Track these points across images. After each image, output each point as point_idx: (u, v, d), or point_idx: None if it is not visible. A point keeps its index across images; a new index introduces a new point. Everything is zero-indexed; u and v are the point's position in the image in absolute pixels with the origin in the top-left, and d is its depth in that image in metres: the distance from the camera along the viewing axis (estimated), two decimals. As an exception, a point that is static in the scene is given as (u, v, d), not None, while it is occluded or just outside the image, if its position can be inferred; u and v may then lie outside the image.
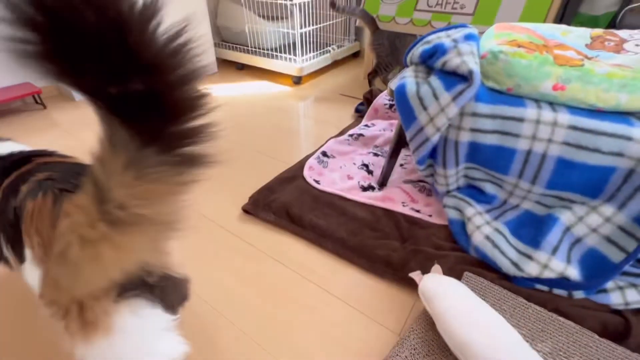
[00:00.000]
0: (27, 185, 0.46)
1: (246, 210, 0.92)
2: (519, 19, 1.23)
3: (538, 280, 0.65)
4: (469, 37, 0.76)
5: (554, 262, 0.64)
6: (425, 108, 0.72)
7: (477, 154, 0.73)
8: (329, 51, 1.94)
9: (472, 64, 0.68)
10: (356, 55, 2.26)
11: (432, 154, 0.81)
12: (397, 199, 0.92)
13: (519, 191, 0.75)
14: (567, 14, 1.34)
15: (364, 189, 0.96)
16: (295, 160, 1.15)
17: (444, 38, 0.81)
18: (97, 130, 0.28)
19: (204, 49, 1.67)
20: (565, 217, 0.67)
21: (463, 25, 0.85)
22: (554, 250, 0.64)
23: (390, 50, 1.53)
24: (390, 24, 1.50)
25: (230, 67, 2.10)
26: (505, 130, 0.68)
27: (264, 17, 1.94)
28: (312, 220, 0.86)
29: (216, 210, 0.94)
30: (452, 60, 0.70)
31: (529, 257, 0.66)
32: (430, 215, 0.87)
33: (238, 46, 2.01)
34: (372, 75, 1.61)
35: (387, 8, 1.50)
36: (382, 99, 1.34)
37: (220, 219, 0.91)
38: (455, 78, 0.70)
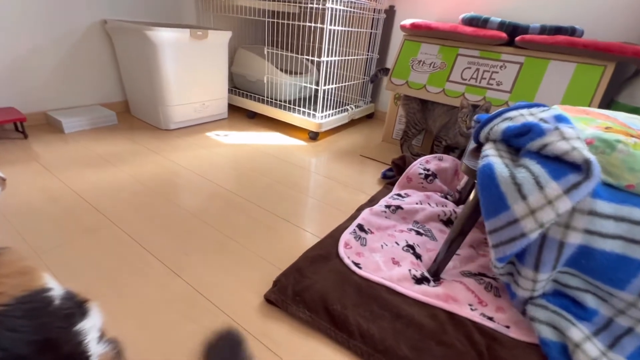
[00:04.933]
0: None
1: (270, 300, 0.71)
2: (561, 101, 1.20)
3: None
4: (560, 119, 0.66)
5: None
6: (524, 197, 0.58)
7: (589, 260, 0.58)
8: (347, 110, 1.89)
9: (587, 151, 0.56)
10: (370, 116, 2.22)
11: (520, 251, 0.65)
12: (461, 299, 0.74)
13: (636, 312, 0.59)
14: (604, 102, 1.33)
15: (418, 280, 0.78)
16: (323, 230, 0.97)
17: (527, 116, 0.71)
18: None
19: (220, 98, 1.56)
20: None
21: (541, 105, 0.76)
22: None
23: (420, 108, 1.48)
24: (420, 91, 1.45)
25: (240, 114, 1.99)
26: (634, 237, 0.54)
27: (282, 70, 1.89)
28: (360, 324, 0.66)
29: (230, 298, 0.72)
30: (556, 145, 0.58)
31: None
32: (507, 327, 0.68)
33: (251, 94, 1.93)
34: (403, 140, 1.52)
35: (418, 76, 1.47)
36: (417, 167, 1.22)
37: (237, 312, 0.68)
38: (563, 166, 0.57)
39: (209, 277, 0.77)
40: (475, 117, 1.02)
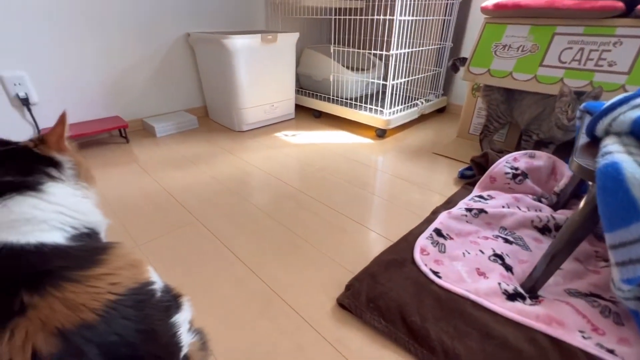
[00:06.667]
0: None
1: (343, 304, 0.69)
2: None
3: None
4: None
5: None
6: (668, 206, 0.46)
7: None
8: (417, 105, 1.77)
9: None
10: (441, 111, 2.07)
11: (659, 272, 0.52)
12: (569, 324, 0.62)
13: None
14: None
15: (510, 296, 0.68)
16: (395, 233, 0.92)
17: (669, 102, 0.56)
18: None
19: (288, 99, 1.60)
20: None
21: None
22: None
23: (505, 99, 1.31)
24: (506, 79, 1.29)
25: (306, 114, 2.02)
26: None
27: (347, 67, 1.86)
28: (443, 341, 0.59)
29: (303, 300, 0.72)
30: None
31: None
32: (636, 365, 0.55)
33: (316, 94, 1.94)
34: (483, 135, 1.38)
35: (503, 62, 1.30)
36: (502, 165, 1.09)
37: (310, 315, 0.68)
38: None
39: (283, 276, 0.78)
40: (582, 106, 0.86)
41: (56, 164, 0.52)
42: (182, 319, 0.55)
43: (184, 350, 0.53)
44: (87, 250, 0.45)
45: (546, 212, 0.94)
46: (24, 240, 0.38)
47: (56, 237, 0.42)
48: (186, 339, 0.55)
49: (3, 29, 1.23)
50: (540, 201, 1.01)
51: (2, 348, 0.32)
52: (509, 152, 1.17)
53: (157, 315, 0.49)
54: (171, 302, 0.56)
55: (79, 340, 0.36)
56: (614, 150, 0.54)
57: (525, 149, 1.25)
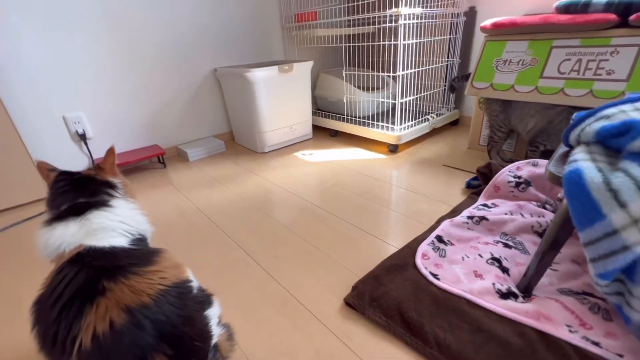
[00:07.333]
0: None
1: (349, 303, 0.78)
2: None
3: None
4: (677, 112, 0.56)
5: None
6: (622, 205, 0.52)
7: None
8: (428, 119, 1.85)
9: None
10: (455, 123, 2.12)
11: (629, 267, 0.57)
12: (557, 319, 0.67)
13: None
14: None
15: (503, 294, 0.74)
16: (402, 241, 0.99)
17: (631, 112, 0.62)
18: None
19: (305, 121, 1.74)
20: None
21: (653, 96, 0.65)
22: None
23: (503, 108, 1.37)
24: (508, 92, 1.35)
25: (324, 134, 2.16)
26: None
27: (360, 87, 1.99)
28: (436, 333, 0.67)
29: (314, 299, 0.81)
30: (666, 143, 0.51)
31: None
32: (620, 356, 0.59)
33: (332, 114, 2.08)
34: (490, 146, 1.43)
35: (504, 76, 1.37)
36: (505, 174, 1.14)
37: (320, 312, 0.77)
38: (676, 167, 0.49)
39: (297, 279, 0.88)
40: (573, 115, 0.91)
41: (112, 186, 0.68)
42: (213, 314, 0.67)
43: (215, 339, 0.65)
44: (145, 252, 0.59)
45: (548, 217, 0.98)
46: (101, 244, 0.52)
47: (122, 241, 0.56)
48: (216, 330, 0.67)
49: (66, 79, 1.49)
50: (544, 207, 1.05)
51: (90, 317, 0.45)
52: (519, 161, 1.21)
53: (194, 307, 0.61)
54: (204, 298, 0.68)
55: (139, 316, 0.49)
56: (579, 158, 0.61)
57: (532, 158, 1.29)
